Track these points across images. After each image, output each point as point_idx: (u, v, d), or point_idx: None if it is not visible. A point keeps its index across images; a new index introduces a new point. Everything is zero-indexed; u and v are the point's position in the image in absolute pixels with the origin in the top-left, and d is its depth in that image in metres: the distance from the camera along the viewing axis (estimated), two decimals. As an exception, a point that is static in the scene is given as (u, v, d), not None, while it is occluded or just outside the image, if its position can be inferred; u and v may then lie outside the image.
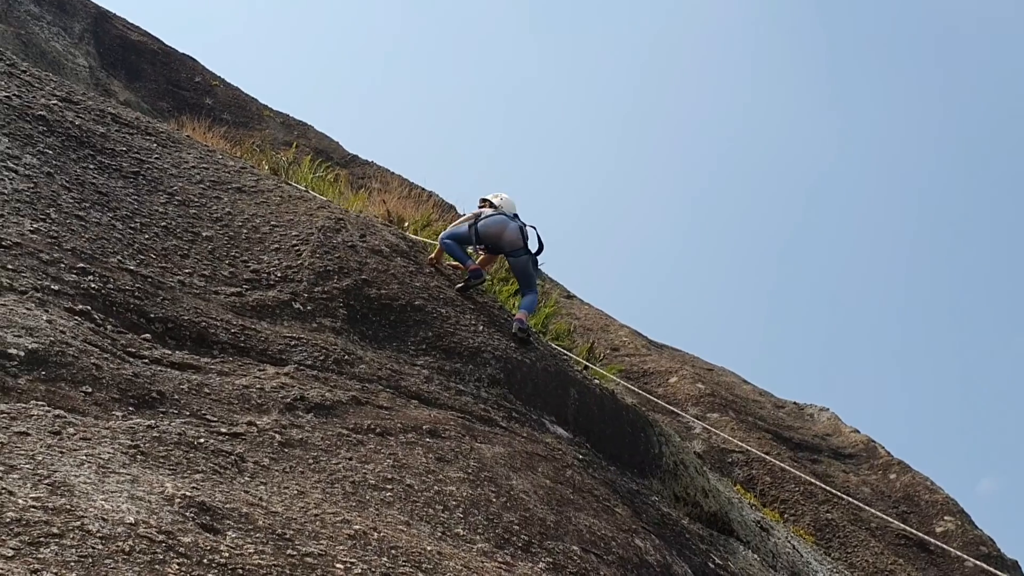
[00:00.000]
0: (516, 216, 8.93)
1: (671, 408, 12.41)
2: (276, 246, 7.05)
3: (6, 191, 5.56)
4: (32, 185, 5.80)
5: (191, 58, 24.28)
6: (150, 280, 5.61)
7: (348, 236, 7.64)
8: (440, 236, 8.88)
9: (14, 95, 7.10)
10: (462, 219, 9.14)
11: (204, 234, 6.68)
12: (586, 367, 11.08)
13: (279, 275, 6.63)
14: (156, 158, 7.48)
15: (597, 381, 8.73)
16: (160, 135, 8.11)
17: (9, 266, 4.86)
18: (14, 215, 5.36)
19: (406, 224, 11.68)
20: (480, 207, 9.16)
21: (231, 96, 23.51)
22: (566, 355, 9.96)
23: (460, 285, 8.26)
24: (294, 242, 7.18)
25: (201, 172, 7.69)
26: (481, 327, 7.46)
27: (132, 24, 23.66)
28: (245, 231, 7.06)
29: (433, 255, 8.83)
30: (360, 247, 7.57)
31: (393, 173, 21.03)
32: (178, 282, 5.83)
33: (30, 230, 5.29)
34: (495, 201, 9.21)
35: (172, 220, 6.60)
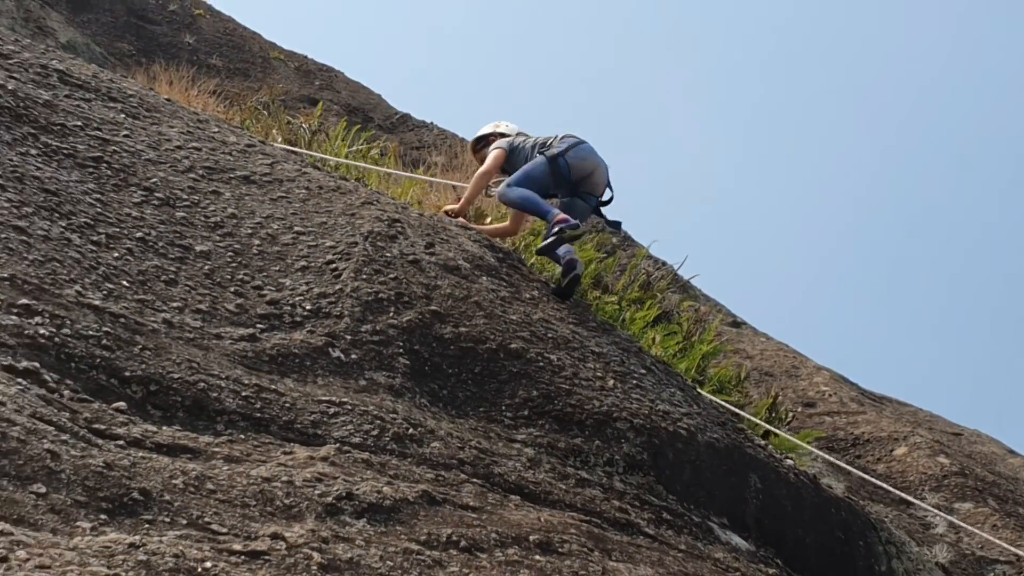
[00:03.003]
0: None
1: (899, 495, 12.19)
2: (303, 263, 7.14)
3: (-85, 193, 5.76)
4: (-49, 183, 5.99)
5: (163, -26, 24.88)
6: (123, 321, 5.73)
7: (408, 246, 7.71)
8: (503, 188, 9.56)
9: (-84, 48, 7.36)
10: (495, 158, 9.88)
11: (198, 248, 6.80)
12: (767, 435, 10.98)
13: (309, 307, 6.72)
14: (125, 136, 7.65)
15: (791, 460, 8.62)
16: (129, 100, 8.30)
17: (-77, 305, 5.03)
18: (-73, 229, 5.55)
19: (488, 220, 11.76)
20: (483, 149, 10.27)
21: (222, 31, 24.04)
22: (740, 416, 9.87)
23: (549, 242, 8.88)
24: (329, 257, 7.26)
25: (191, 154, 7.84)
26: (611, 381, 7.44)
27: (72, -74, 24.34)
28: (258, 242, 7.17)
29: (456, 206, 9.88)
30: (426, 262, 7.62)
31: (465, 140, 21.14)
32: (163, 322, 5.94)
33: (-50, 250, 5.47)
34: (509, 128, 10.30)
35: (152, 229, 6.74)
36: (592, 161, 9.52)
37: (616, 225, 10.10)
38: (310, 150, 13.19)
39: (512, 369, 7.08)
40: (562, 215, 8.96)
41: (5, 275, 5.49)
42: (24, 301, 5.37)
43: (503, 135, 10.14)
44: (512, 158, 9.81)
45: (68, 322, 5.44)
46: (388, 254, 7.53)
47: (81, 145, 7.25)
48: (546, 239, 8.97)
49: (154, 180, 7.30)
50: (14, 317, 5.23)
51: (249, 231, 7.28)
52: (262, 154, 8.57)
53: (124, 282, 6.09)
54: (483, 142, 10.39)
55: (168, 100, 9.22)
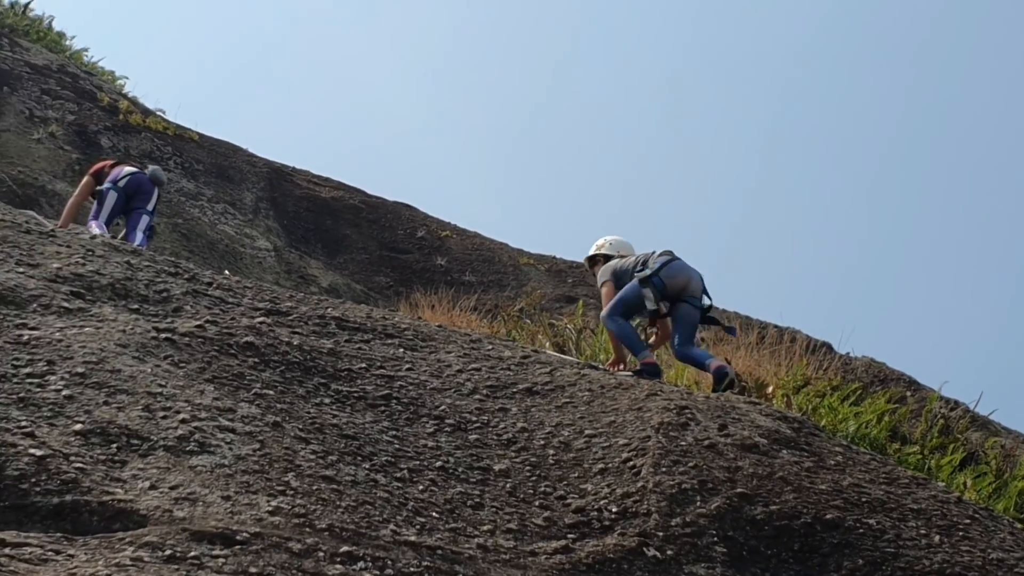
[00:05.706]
0: None
1: None
2: (601, 466, 7.18)
3: (227, 461, 6.04)
4: (258, 446, 6.27)
5: (406, 206, 26.04)
6: (440, 552, 5.84)
7: (702, 431, 7.68)
8: (604, 314, 10.91)
9: (207, 322, 7.81)
10: (606, 296, 11.10)
11: (496, 467, 6.93)
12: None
13: (615, 510, 6.73)
14: (408, 369, 7.92)
15: None
16: (404, 334, 8.62)
17: (252, 568, 5.21)
18: (244, 493, 5.79)
19: (769, 389, 11.66)
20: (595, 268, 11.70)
21: (471, 247, 24.84)
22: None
23: (629, 375, 9.81)
24: (625, 455, 7.29)
25: (472, 376, 8.06)
26: (937, 536, 7.18)
27: (319, 177, 25.79)
28: (552, 452, 7.26)
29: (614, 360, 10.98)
30: (723, 445, 7.57)
31: (735, 313, 21.06)
32: (478, 547, 6.03)
33: (268, 511, 5.69)
34: (611, 247, 11.67)
35: (449, 456, 6.91)
36: (684, 275, 10.85)
37: (731, 331, 11.86)
38: (578, 349, 13.39)
39: (832, 541, 6.91)
40: (649, 359, 10.37)
41: (323, 526, 5.68)
42: (345, 548, 5.53)
43: (607, 256, 11.58)
44: (618, 283, 11.08)
45: (389, 562, 5.58)
46: (683, 443, 7.52)
47: (369, 386, 7.53)
48: (632, 372, 10.16)
49: (442, 407, 7.51)
50: (339, 566, 5.39)
51: (542, 442, 7.40)
52: (539, 363, 8.74)
53: (434, 513, 6.23)
54: (592, 261, 11.89)
55: (439, 327, 9.53)
